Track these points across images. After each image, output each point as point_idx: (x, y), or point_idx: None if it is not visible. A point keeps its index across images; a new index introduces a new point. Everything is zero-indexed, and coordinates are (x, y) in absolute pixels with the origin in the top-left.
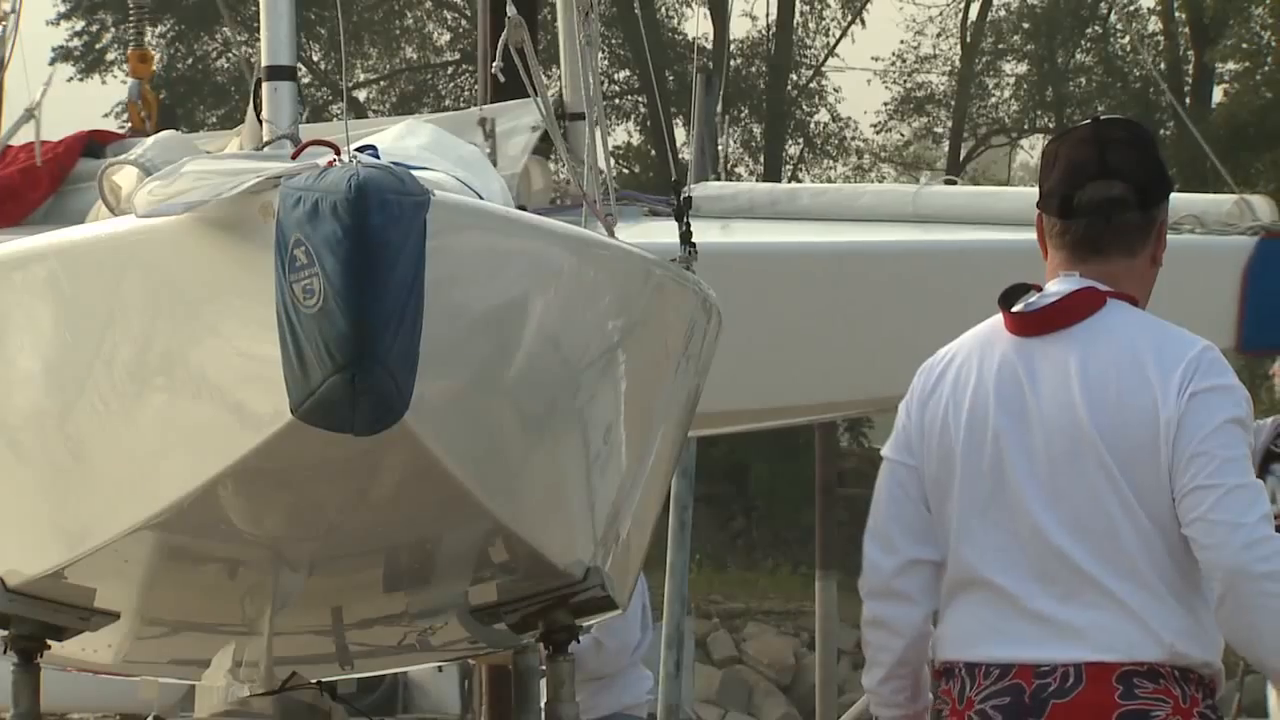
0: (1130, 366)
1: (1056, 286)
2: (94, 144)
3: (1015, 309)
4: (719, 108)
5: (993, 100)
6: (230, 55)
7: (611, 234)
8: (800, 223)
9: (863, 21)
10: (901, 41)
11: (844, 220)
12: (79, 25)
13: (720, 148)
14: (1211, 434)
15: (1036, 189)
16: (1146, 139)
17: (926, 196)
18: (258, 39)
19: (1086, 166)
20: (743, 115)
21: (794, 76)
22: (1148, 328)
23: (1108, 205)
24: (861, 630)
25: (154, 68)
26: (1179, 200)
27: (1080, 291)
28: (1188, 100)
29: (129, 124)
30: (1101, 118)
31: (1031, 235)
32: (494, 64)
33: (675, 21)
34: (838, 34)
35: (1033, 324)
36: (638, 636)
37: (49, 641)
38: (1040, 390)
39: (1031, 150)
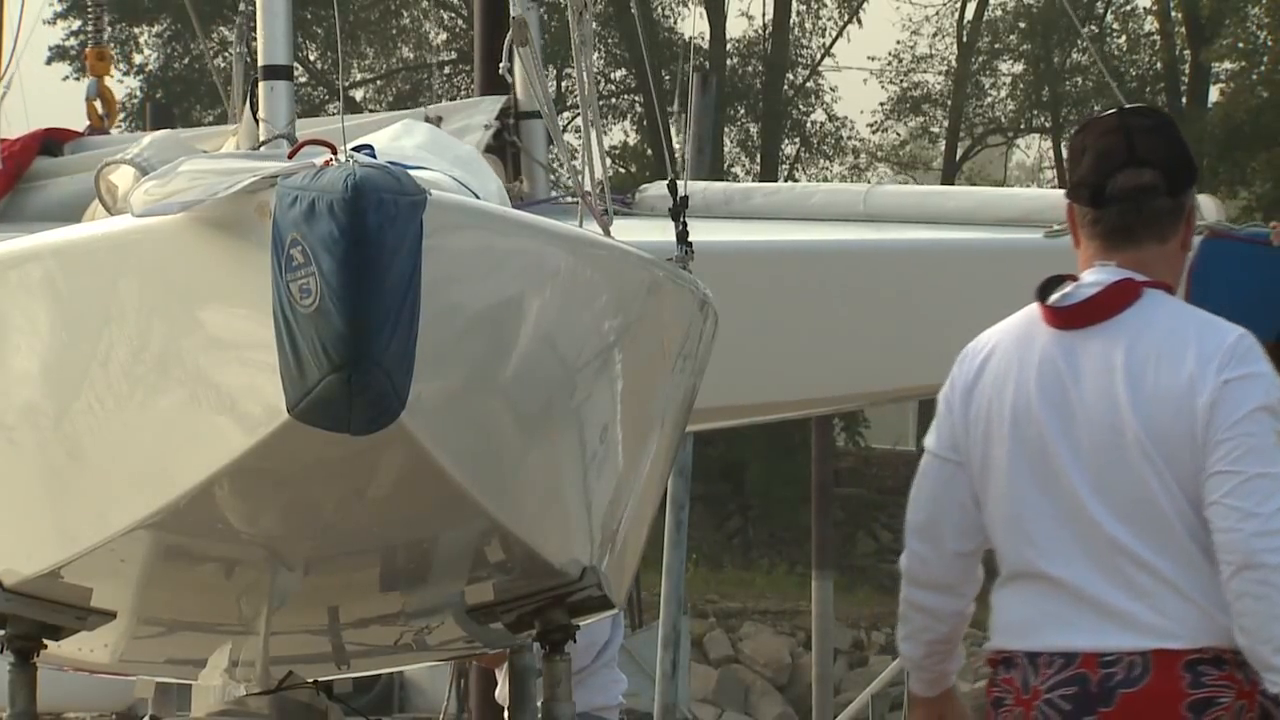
0: (1170, 357)
1: (1093, 277)
2: (51, 142)
3: (1052, 301)
4: (675, 106)
5: (989, 100)
6: (225, 55)
7: (608, 233)
8: (754, 222)
9: (859, 21)
10: (898, 41)
11: (796, 219)
12: (75, 25)
13: (680, 146)
14: (1240, 421)
15: (990, 189)
16: (1171, 125)
17: (877, 196)
18: (231, 42)
19: (1115, 155)
20: (739, 115)
21: (790, 76)
22: (1185, 317)
23: (1138, 193)
24: (901, 605)
25: (112, 64)
26: None
27: (1118, 283)
28: (1184, 100)
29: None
30: (1126, 106)
31: (1010, 234)
32: (501, 64)
33: (671, 21)
34: (834, 33)
35: (1072, 317)
36: (606, 634)
37: (46, 641)
38: (1082, 383)
39: (1027, 150)
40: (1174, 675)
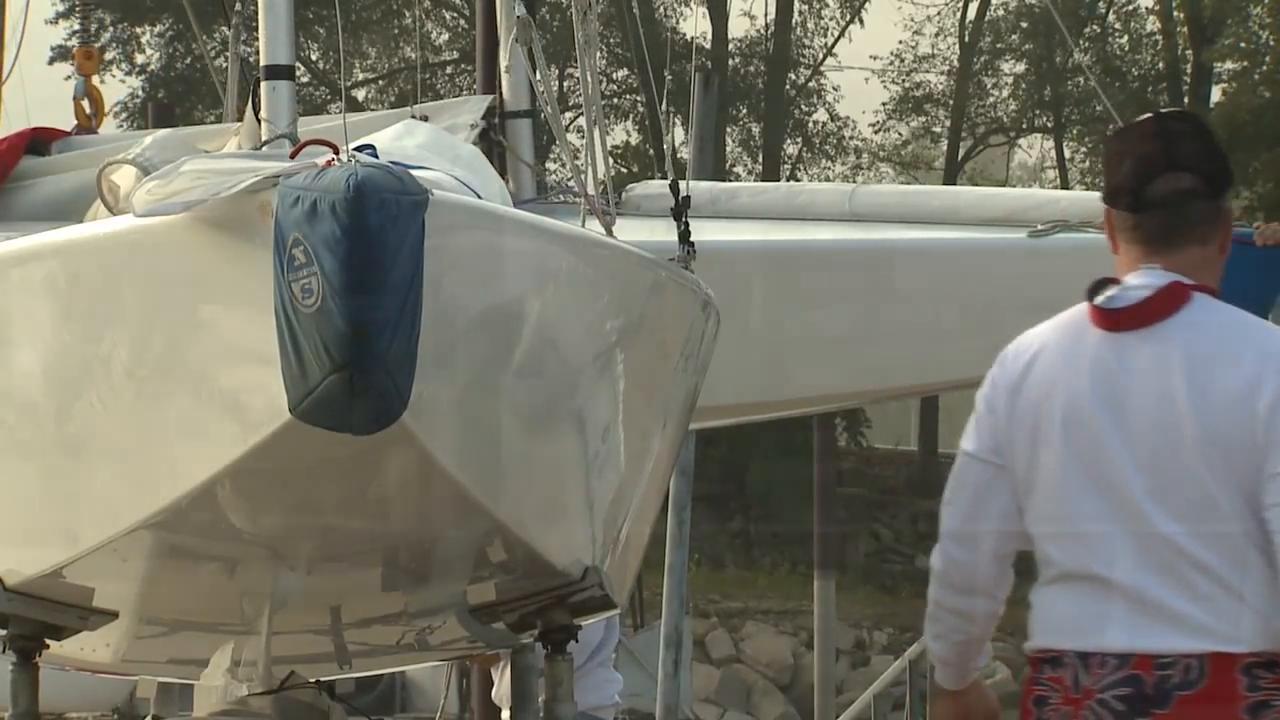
0: (1227, 359)
1: (1140, 280)
2: (38, 142)
3: (1100, 302)
4: (663, 106)
5: (991, 100)
6: (226, 56)
7: (610, 233)
8: (741, 221)
9: (861, 21)
10: (900, 41)
11: (782, 219)
12: (76, 25)
13: (666, 146)
14: None
15: (976, 189)
16: (1207, 130)
17: (863, 196)
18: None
19: (1154, 160)
20: (741, 115)
21: (792, 76)
22: (1237, 321)
23: (1178, 198)
24: (930, 606)
25: (99, 64)
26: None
27: (1169, 286)
28: (1186, 100)
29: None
30: (1160, 111)
31: (995, 233)
32: (504, 63)
33: (673, 21)
34: (836, 33)
35: (1124, 319)
36: (600, 635)
37: (48, 641)
38: (1137, 384)
39: (1030, 150)
40: (1231, 678)
